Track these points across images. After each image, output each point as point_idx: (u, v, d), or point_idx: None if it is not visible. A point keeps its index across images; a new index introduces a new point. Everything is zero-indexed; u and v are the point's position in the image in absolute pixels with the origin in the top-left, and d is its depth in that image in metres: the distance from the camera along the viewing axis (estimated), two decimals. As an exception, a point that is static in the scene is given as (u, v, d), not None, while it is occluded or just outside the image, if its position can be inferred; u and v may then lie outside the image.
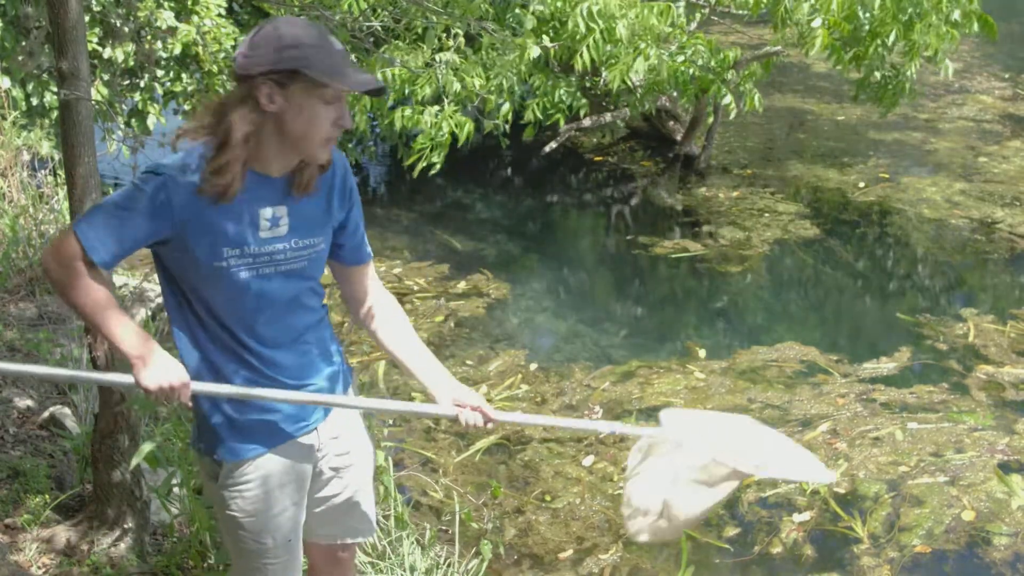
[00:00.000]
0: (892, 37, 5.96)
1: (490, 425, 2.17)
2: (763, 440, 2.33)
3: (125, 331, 1.97)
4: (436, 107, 5.64)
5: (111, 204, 1.97)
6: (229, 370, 2.09)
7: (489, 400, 4.78)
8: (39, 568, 3.04)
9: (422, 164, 5.66)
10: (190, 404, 2.04)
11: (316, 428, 2.22)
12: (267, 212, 2.02)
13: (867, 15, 5.99)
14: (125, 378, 1.98)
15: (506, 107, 6.56)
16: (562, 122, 6.70)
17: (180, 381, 1.97)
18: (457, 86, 5.62)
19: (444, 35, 6.12)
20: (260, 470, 2.14)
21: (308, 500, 2.28)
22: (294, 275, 2.09)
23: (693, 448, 2.18)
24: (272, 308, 2.08)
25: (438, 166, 5.70)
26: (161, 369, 1.96)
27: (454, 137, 5.60)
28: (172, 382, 1.96)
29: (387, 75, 5.87)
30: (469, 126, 5.63)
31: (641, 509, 2.23)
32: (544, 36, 6.61)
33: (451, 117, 5.52)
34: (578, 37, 5.38)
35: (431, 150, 5.60)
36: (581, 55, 5.38)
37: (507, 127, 6.64)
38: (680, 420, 2.28)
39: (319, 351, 2.20)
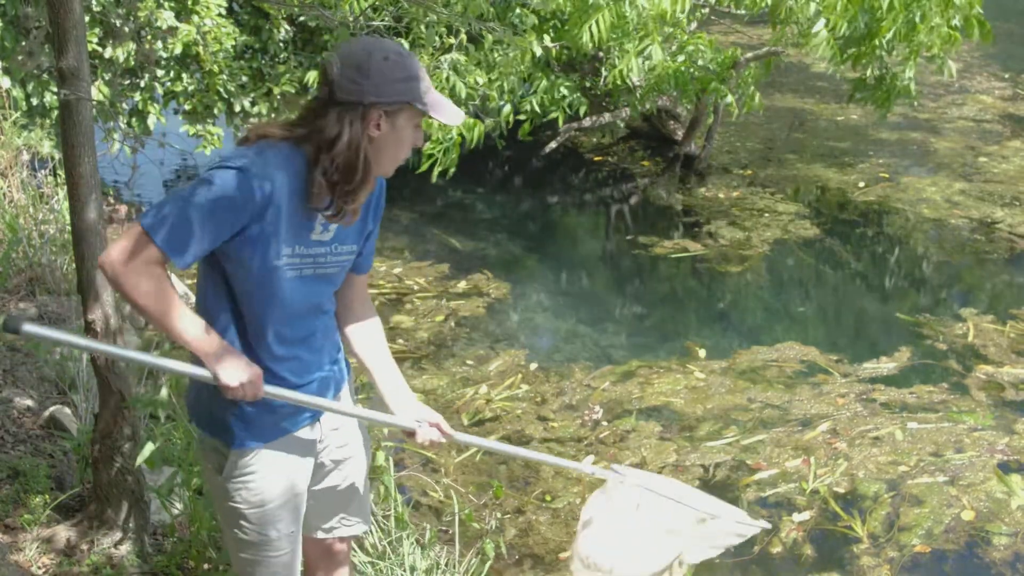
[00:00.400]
0: (890, 35, 5.95)
1: (444, 440, 2.27)
2: (702, 499, 2.63)
3: (198, 331, 1.99)
4: None
5: (186, 201, 1.91)
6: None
7: (489, 400, 4.80)
8: (39, 568, 3.04)
9: (438, 169, 5.69)
10: (261, 396, 2.05)
11: (319, 420, 2.26)
12: (321, 217, 2.07)
13: (866, 18, 5.98)
14: (205, 372, 2.00)
15: (507, 108, 6.56)
16: (561, 119, 6.69)
17: (257, 377, 2.02)
18: (461, 86, 5.63)
19: (445, 33, 6.13)
20: (264, 462, 2.17)
21: (308, 492, 2.31)
22: (325, 279, 2.15)
23: (650, 486, 2.38)
24: (300, 309, 2.12)
25: (452, 170, 5.73)
26: (239, 366, 2.00)
27: (462, 138, 5.61)
28: (251, 378, 2.00)
29: None
30: (479, 128, 5.64)
31: (591, 563, 2.39)
32: (545, 35, 6.62)
33: None
34: (589, 9, 5.25)
35: (443, 153, 5.62)
36: (590, 28, 5.23)
37: (505, 128, 6.65)
38: (634, 473, 2.58)
39: (325, 351, 2.25)
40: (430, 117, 2.03)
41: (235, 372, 1.99)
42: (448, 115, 2.04)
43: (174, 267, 1.95)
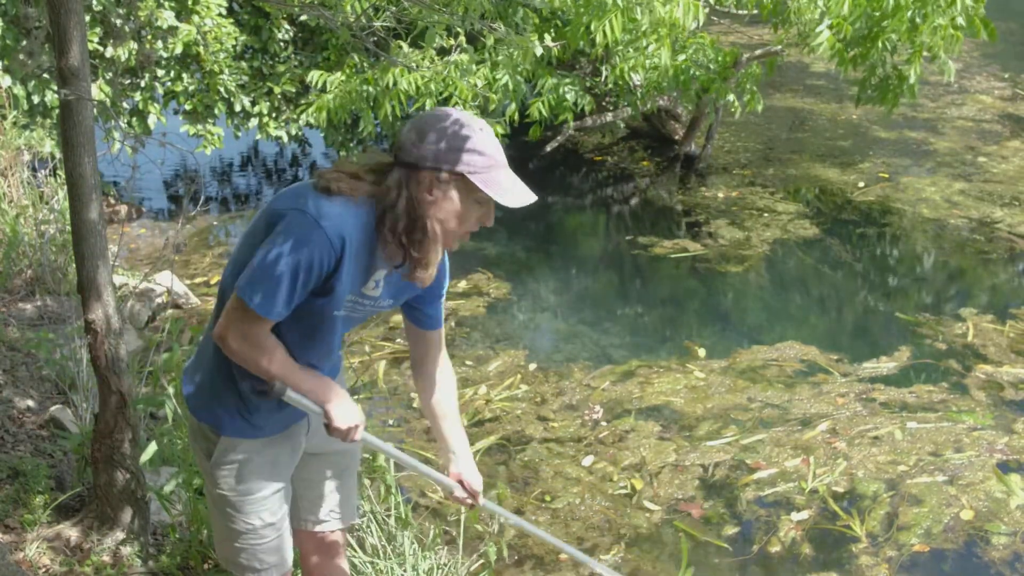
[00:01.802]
0: (894, 36, 5.96)
1: (470, 501, 2.43)
2: None
3: (315, 383, 2.11)
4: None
5: (275, 265, 1.95)
6: (246, 374, 2.12)
7: (488, 401, 4.80)
8: (39, 568, 3.04)
9: None
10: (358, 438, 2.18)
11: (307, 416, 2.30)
12: (377, 275, 2.12)
13: (868, 20, 5.99)
14: (319, 407, 2.13)
15: (511, 107, 6.56)
16: (571, 121, 6.69)
17: (361, 422, 2.15)
18: (464, 86, 5.63)
19: (445, 34, 6.13)
20: (252, 451, 2.21)
21: (296, 482, 2.37)
22: (353, 321, 2.23)
23: None
24: (331, 344, 2.21)
25: None
26: (349, 411, 2.13)
27: None
28: (358, 422, 2.14)
29: (398, 78, 5.87)
30: (496, 127, 5.64)
31: None
32: (547, 35, 6.62)
33: None
34: (594, 10, 5.20)
35: None
36: (603, 30, 5.17)
37: (508, 127, 6.65)
38: None
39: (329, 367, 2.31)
40: (487, 194, 2.00)
41: (346, 416, 2.11)
42: (508, 196, 2.00)
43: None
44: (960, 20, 6.01)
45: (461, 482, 2.39)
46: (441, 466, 2.46)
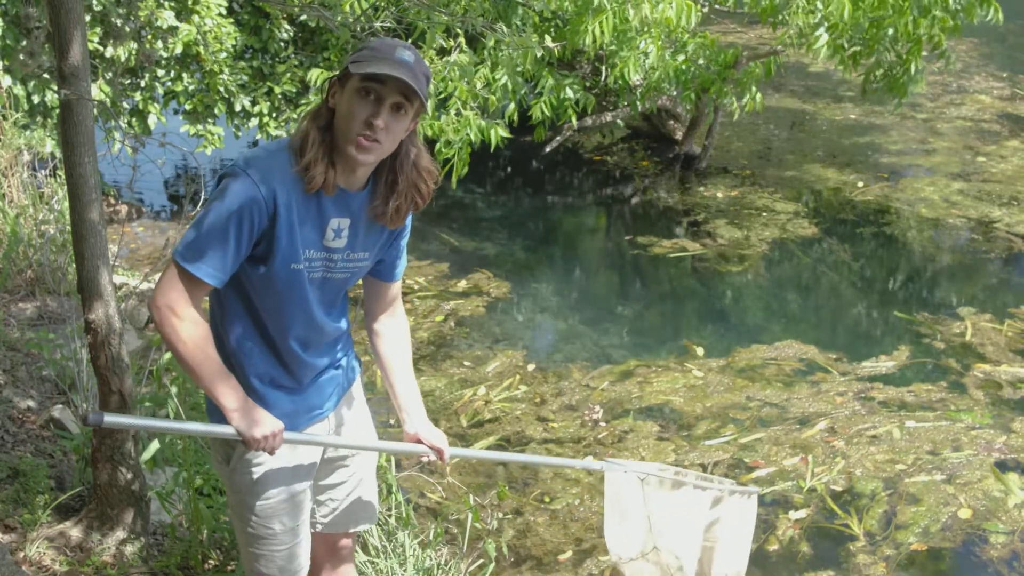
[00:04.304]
0: (892, 31, 5.96)
1: (436, 459, 2.33)
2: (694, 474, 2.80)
3: (223, 384, 2.01)
4: (454, 112, 5.67)
5: (205, 224, 1.93)
6: (253, 363, 2.13)
7: (488, 401, 4.81)
8: (39, 568, 3.05)
9: (456, 175, 5.71)
10: (279, 446, 2.09)
11: (327, 417, 2.28)
12: (334, 223, 2.07)
13: (865, 21, 5.99)
14: (228, 429, 2.04)
15: (511, 107, 6.57)
16: (574, 119, 6.70)
17: (279, 428, 2.06)
18: (464, 87, 5.64)
19: (445, 35, 6.13)
20: (272, 455, 2.17)
21: (315, 487, 2.33)
22: (335, 283, 2.16)
23: (648, 470, 2.61)
24: (311, 312, 2.14)
25: (466, 169, 5.75)
26: (261, 421, 2.03)
27: (482, 142, 5.64)
28: (274, 431, 2.04)
29: None
30: (497, 129, 5.64)
31: (627, 556, 2.49)
32: (547, 35, 6.62)
33: (472, 123, 5.55)
34: (592, 10, 5.22)
35: (457, 157, 5.64)
36: (593, 31, 5.19)
37: (508, 128, 6.65)
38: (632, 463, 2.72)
39: (336, 352, 2.28)
40: (362, 74, 1.94)
41: (258, 427, 2.02)
42: (366, 67, 1.93)
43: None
44: (958, 4, 6.00)
45: (421, 442, 2.32)
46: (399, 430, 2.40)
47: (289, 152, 2.00)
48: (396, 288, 2.36)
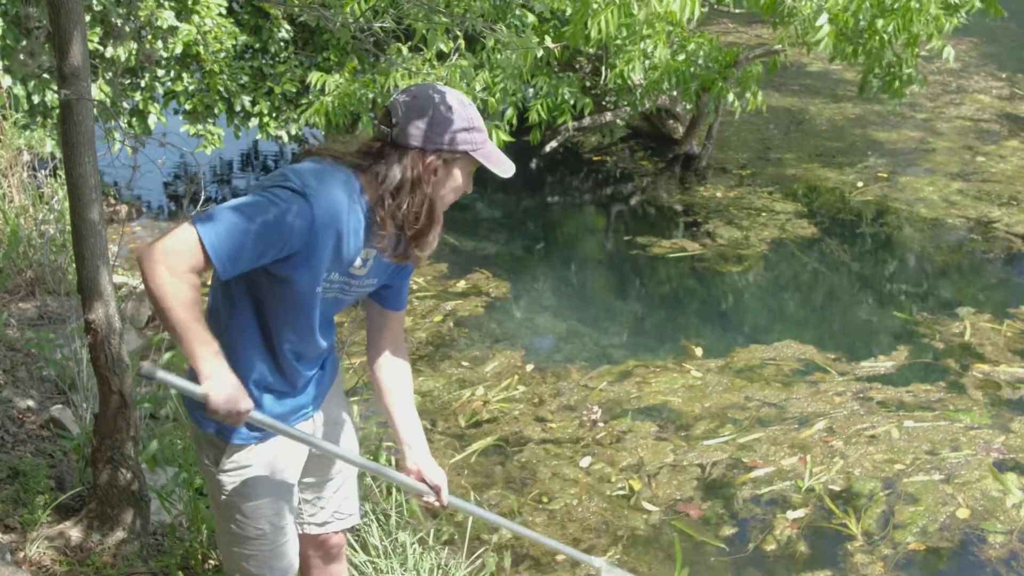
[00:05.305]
0: (890, 27, 5.97)
1: (435, 502, 2.32)
2: None
3: (205, 349, 1.92)
4: None
5: (244, 215, 1.89)
6: (250, 365, 2.13)
7: (486, 401, 4.81)
8: (39, 568, 3.06)
9: None
10: (240, 424, 2.03)
11: (312, 416, 2.32)
12: (363, 253, 2.09)
13: (865, 13, 6.00)
14: (198, 389, 1.95)
15: (509, 111, 6.57)
16: (570, 121, 6.71)
17: (246, 408, 1.97)
18: (464, 90, 5.64)
19: (444, 35, 6.14)
20: (259, 456, 2.21)
21: (301, 485, 2.36)
22: (341, 303, 2.20)
23: None
24: (313, 327, 2.15)
25: None
26: (232, 393, 1.94)
27: None
28: (240, 408, 1.95)
29: (398, 82, 5.87)
30: (498, 135, 5.65)
31: None
32: (546, 36, 6.62)
33: None
34: (595, 5, 5.21)
35: None
36: (598, 24, 5.18)
37: (507, 130, 6.66)
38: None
39: (322, 361, 2.31)
40: (486, 168, 2.09)
41: (227, 398, 1.93)
42: (502, 168, 2.10)
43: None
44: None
45: (422, 477, 2.30)
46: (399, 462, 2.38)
47: (357, 185, 2.02)
48: (401, 318, 2.38)
